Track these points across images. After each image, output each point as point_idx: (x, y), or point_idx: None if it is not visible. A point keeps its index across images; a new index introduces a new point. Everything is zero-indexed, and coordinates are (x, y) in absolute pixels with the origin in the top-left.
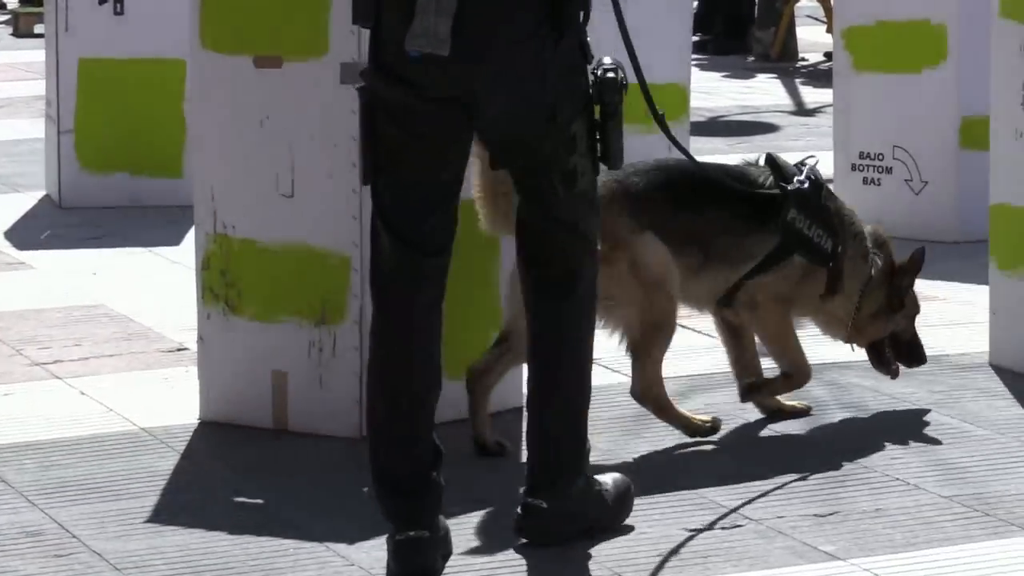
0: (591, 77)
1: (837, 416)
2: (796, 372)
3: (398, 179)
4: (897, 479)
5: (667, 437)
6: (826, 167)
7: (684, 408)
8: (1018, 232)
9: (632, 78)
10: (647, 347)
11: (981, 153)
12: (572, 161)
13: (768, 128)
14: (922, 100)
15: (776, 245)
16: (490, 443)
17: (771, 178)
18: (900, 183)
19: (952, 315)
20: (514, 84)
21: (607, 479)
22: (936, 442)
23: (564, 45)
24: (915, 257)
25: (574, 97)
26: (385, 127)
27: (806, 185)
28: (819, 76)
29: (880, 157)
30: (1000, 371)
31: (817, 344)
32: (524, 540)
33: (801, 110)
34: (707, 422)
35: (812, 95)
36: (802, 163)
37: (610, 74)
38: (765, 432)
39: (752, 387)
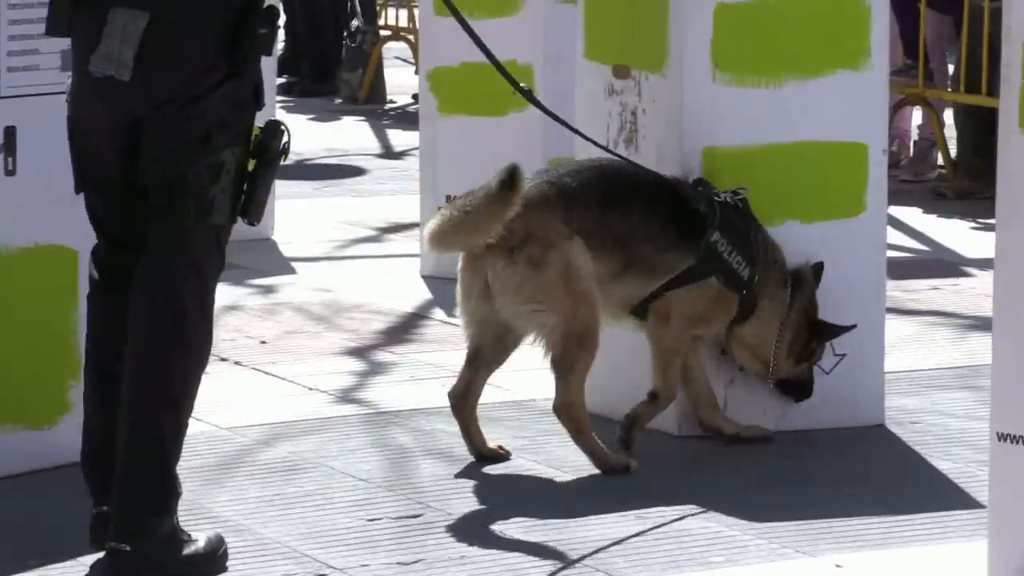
0: (259, 124)
1: (423, 463)
2: (663, 394)
3: (98, 187)
4: (483, 526)
5: (250, 487)
6: (412, 211)
7: (266, 455)
8: None
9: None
10: (571, 362)
11: None
12: (213, 191)
13: (356, 171)
14: (508, 143)
15: (693, 263)
16: (490, 451)
17: (700, 195)
18: None
19: (538, 359)
20: (182, 107)
21: (199, 535)
22: (522, 489)
23: (236, 80)
24: (843, 327)
25: (234, 129)
26: (81, 137)
27: (734, 208)
28: (407, 118)
29: None
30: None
31: (402, 391)
32: None
33: (389, 153)
34: (621, 461)
35: (400, 138)
36: (735, 192)
37: (281, 126)
38: (347, 480)
39: (631, 422)
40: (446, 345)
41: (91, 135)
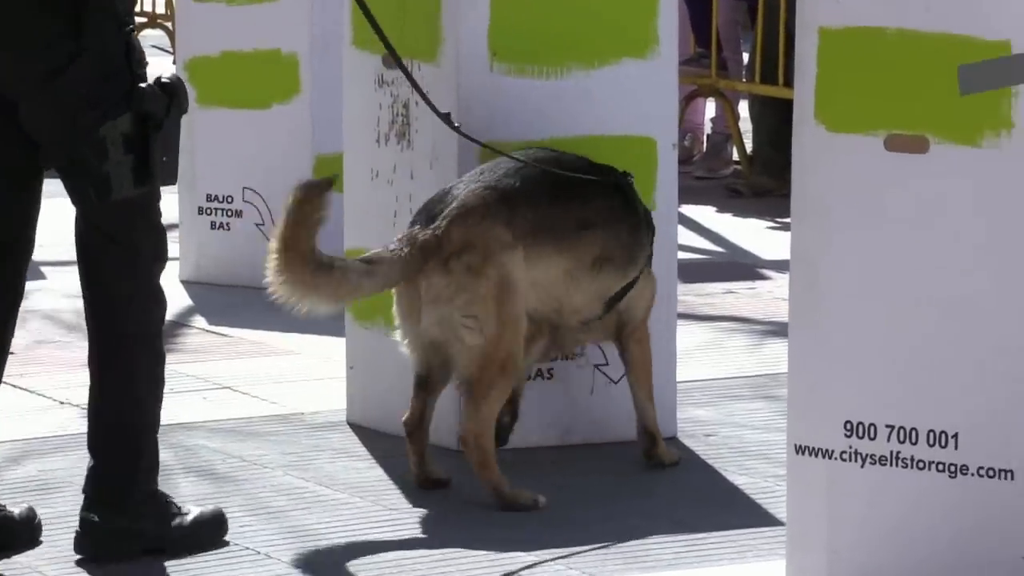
0: (141, 87)
1: (183, 482)
2: (653, 417)
3: None
4: (247, 548)
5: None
6: (170, 211)
7: (14, 474)
8: None
9: None
10: (488, 387)
11: (336, 195)
12: (105, 168)
13: None
14: (273, 138)
15: (649, 255)
16: (437, 476)
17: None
18: (251, 227)
19: (306, 370)
20: (34, 85)
21: (194, 507)
22: (289, 507)
23: (94, 49)
24: None
25: (105, 102)
26: None
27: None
28: None
29: (229, 199)
30: (358, 429)
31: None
32: (80, 556)
33: None
34: (532, 498)
35: None
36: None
37: (160, 86)
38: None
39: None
40: (207, 355)
41: None
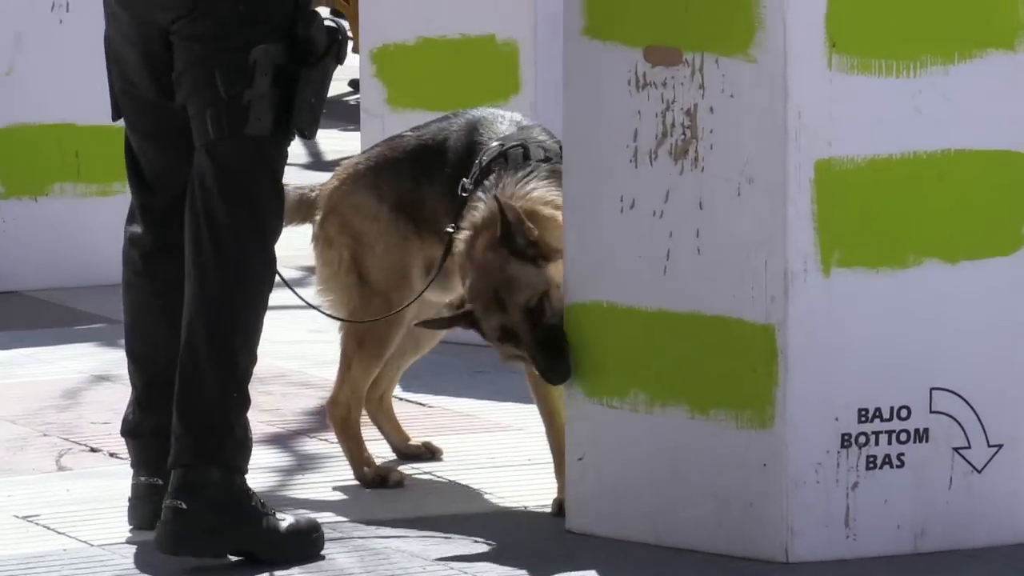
0: (308, 11)
1: None
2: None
3: (128, 118)
4: None
5: None
6: None
7: None
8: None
9: None
10: (348, 360)
11: None
12: (247, 96)
13: None
14: None
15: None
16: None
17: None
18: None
19: (530, 451)
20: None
21: (290, 516)
22: None
23: None
24: None
25: (264, 24)
26: (114, 58)
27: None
28: (343, 114)
29: None
30: (585, 539)
31: (340, 495)
32: (165, 551)
33: (319, 161)
34: (377, 474)
35: (334, 142)
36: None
37: (328, 22)
38: None
39: None
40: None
41: (122, 54)
